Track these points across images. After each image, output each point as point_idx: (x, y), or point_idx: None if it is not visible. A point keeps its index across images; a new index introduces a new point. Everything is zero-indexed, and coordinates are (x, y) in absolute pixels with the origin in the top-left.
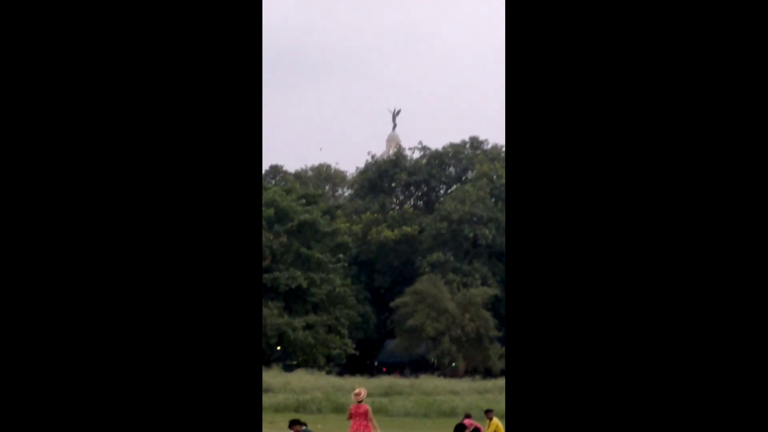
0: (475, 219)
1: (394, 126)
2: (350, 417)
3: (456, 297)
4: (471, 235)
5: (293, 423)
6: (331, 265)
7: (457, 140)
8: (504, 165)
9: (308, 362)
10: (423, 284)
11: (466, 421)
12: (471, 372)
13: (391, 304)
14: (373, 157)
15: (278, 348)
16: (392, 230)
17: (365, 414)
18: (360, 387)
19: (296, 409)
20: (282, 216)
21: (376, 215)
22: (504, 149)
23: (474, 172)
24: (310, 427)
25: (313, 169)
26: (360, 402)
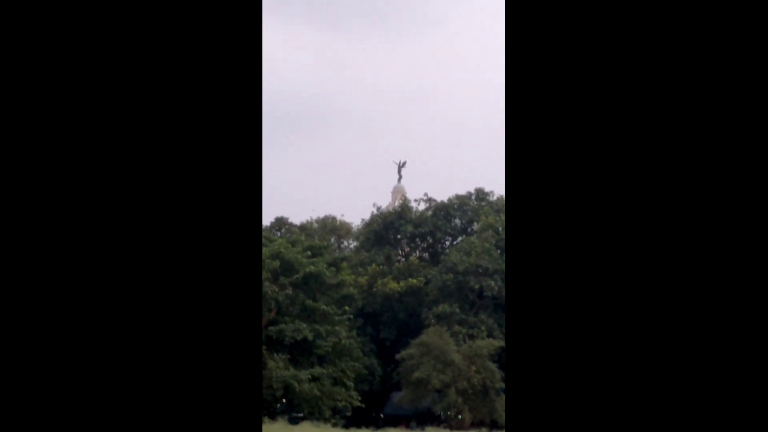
0: (480, 271)
1: (400, 178)
2: None
3: (462, 349)
4: (477, 286)
5: None
6: (336, 317)
7: (462, 192)
8: None
9: (314, 414)
10: (429, 336)
11: None
12: (477, 424)
13: (397, 356)
14: (378, 209)
15: (283, 400)
16: (398, 282)
17: None
18: None
19: None
20: (287, 268)
21: (381, 267)
22: None
23: (479, 224)
24: None
25: (318, 221)
26: None
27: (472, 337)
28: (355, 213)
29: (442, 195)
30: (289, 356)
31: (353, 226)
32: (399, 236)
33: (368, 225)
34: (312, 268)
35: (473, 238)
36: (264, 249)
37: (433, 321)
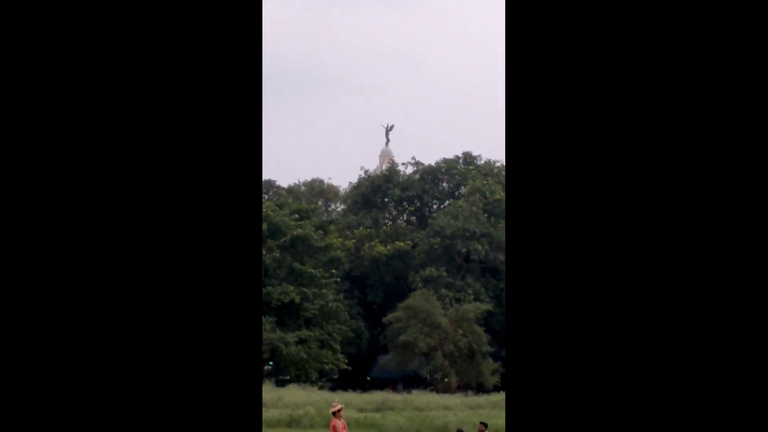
0: (467, 234)
1: (387, 141)
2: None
3: (449, 312)
4: (464, 250)
5: None
6: (323, 280)
7: (450, 156)
8: (497, 180)
9: (300, 377)
10: (416, 299)
11: None
12: (463, 387)
13: (384, 320)
14: (366, 172)
15: (270, 363)
16: (385, 245)
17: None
18: (338, 401)
19: (289, 424)
20: (275, 231)
21: (369, 230)
22: (497, 164)
23: (467, 188)
24: None
25: (305, 184)
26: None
27: (458, 300)
28: (343, 176)
29: (429, 159)
30: (275, 319)
31: (341, 189)
32: (386, 200)
33: (356, 188)
34: (299, 231)
35: (461, 202)
36: None
37: (420, 284)
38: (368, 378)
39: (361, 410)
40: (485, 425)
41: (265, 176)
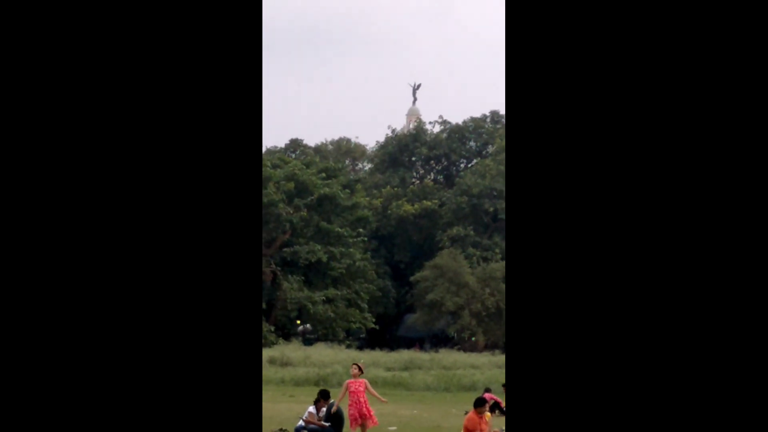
0: (495, 193)
1: (415, 100)
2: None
3: (476, 271)
4: (491, 209)
5: (323, 396)
6: (351, 239)
7: (477, 114)
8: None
9: (328, 336)
10: (443, 258)
11: (486, 395)
12: (491, 346)
13: (411, 279)
14: (393, 131)
15: (298, 322)
16: (412, 204)
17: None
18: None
19: (317, 383)
20: (302, 190)
21: (396, 189)
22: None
23: (494, 146)
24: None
25: (333, 143)
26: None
27: (486, 259)
28: (370, 135)
29: (457, 117)
30: (303, 278)
31: (368, 148)
32: (413, 159)
33: (383, 147)
34: (326, 190)
35: (488, 161)
36: (279, 170)
37: (447, 243)
38: (395, 337)
39: (388, 369)
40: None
41: (292, 135)
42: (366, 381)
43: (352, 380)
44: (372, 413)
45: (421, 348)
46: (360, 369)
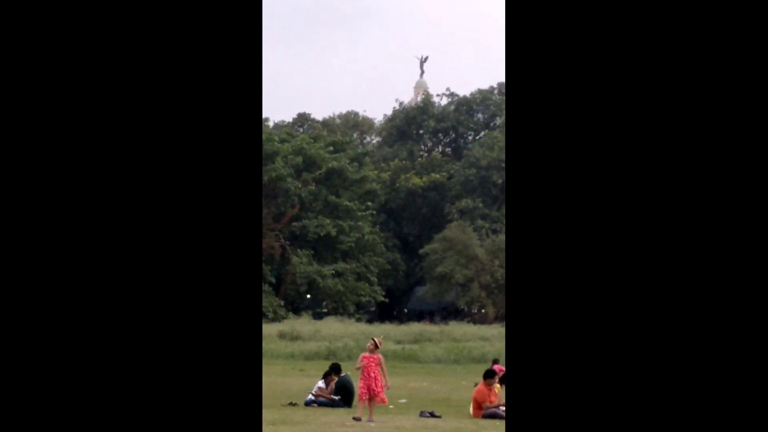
0: (503, 165)
1: (422, 73)
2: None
3: (485, 243)
4: (499, 181)
5: (334, 370)
6: (359, 213)
7: (485, 86)
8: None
9: (338, 310)
10: (452, 231)
11: (495, 367)
12: (500, 318)
13: (420, 251)
14: (401, 104)
15: (308, 296)
16: (420, 177)
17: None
18: (377, 337)
19: (327, 357)
20: (310, 164)
21: (404, 162)
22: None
23: (502, 118)
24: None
25: (340, 116)
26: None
27: (495, 231)
28: (378, 108)
29: (464, 90)
30: (312, 252)
31: (375, 121)
32: (421, 131)
33: (390, 120)
34: (334, 163)
35: (496, 133)
36: (287, 145)
37: (456, 216)
38: (405, 310)
39: (398, 342)
40: None
41: (299, 109)
42: (380, 356)
43: (367, 354)
44: (381, 391)
45: (432, 321)
46: (376, 344)
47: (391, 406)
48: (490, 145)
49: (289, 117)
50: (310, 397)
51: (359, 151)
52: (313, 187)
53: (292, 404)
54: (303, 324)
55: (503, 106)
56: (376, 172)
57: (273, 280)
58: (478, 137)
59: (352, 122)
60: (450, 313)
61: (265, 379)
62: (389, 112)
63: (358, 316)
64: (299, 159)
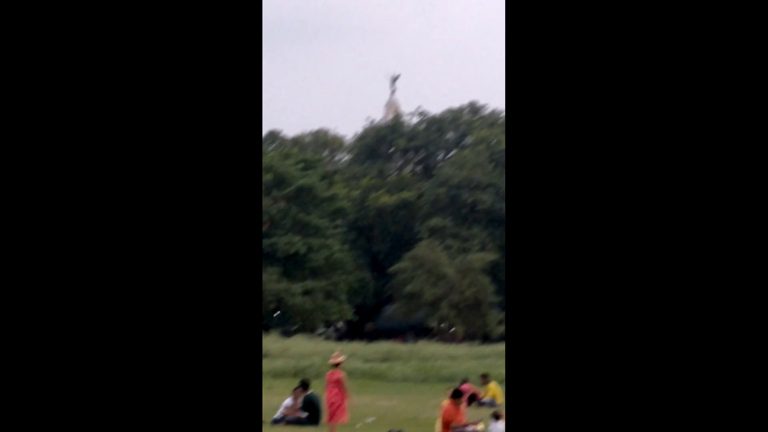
0: (473, 184)
1: (393, 91)
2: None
3: (455, 262)
4: (470, 200)
5: (302, 384)
6: (329, 231)
7: (456, 105)
8: (503, 130)
9: (306, 328)
10: (422, 249)
11: (464, 387)
12: (470, 337)
13: (390, 270)
14: (371, 122)
15: (276, 313)
16: (391, 195)
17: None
18: (341, 353)
19: (295, 375)
20: (280, 181)
21: (374, 180)
22: (503, 114)
23: (473, 138)
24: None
25: (311, 134)
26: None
27: (465, 250)
28: (348, 126)
29: (435, 108)
30: (281, 269)
31: (346, 139)
32: (392, 150)
33: (361, 138)
34: (305, 181)
35: (466, 152)
36: None
37: (426, 234)
38: (374, 328)
39: (367, 360)
40: (487, 379)
41: (270, 126)
42: (340, 373)
43: (330, 371)
44: (341, 407)
45: (404, 340)
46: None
47: (358, 425)
48: (460, 164)
49: None
50: (278, 415)
51: (329, 168)
52: (283, 205)
53: None
54: (271, 342)
55: (474, 125)
56: (346, 190)
57: None
58: (448, 156)
59: (323, 140)
60: (419, 332)
61: None
62: (360, 130)
63: (327, 334)
64: (269, 176)
